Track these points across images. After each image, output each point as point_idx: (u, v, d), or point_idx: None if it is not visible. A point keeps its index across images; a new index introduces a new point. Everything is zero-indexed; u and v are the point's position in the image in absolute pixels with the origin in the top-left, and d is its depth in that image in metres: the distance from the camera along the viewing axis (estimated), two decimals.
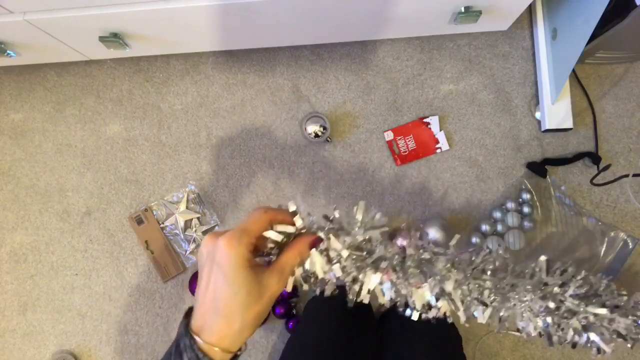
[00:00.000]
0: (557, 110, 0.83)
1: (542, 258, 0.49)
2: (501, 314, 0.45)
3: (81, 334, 0.90)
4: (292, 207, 0.40)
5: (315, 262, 0.40)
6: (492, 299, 0.45)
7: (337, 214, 0.41)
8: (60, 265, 0.91)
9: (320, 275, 0.40)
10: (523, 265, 0.49)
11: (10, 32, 0.74)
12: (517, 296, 0.45)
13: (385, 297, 0.42)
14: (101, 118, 0.93)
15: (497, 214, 0.84)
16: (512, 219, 0.83)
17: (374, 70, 0.89)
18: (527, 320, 0.46)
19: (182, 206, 0.89)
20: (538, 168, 0.84)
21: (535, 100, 0.87)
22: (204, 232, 0.89)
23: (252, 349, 0.88)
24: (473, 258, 0.46)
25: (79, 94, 0.93)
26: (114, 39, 0.75)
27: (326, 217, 0.41)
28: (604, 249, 0.82)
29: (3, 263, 0.92)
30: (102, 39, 0.75)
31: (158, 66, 0.92)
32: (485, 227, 0.83)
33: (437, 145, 0.87)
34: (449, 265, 0.43)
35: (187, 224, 0.89)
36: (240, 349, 0.38)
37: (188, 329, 0.37)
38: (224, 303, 0.36)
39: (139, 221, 0.90)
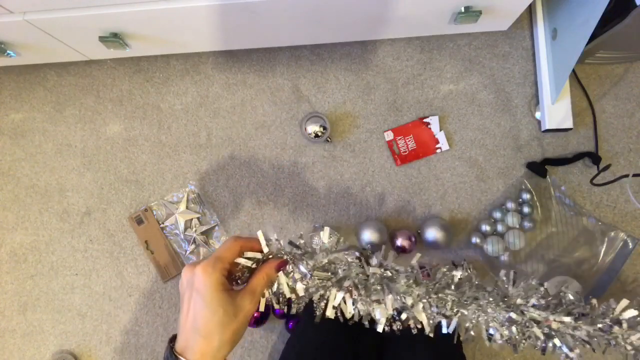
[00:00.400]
0: (557, 110, 0.83)
1: (503, 271, 0.52)
2: (467, 324, 0.48)
3: (81, 334, 0.90)
4: (260, 237, 0.45)
5: (282, 283, 0.45)
6: (455, 311, 0.48)
7: (302, 240, 0.47)
8: (60, 265, 0.91)
9: (288, 295, 0.45)
10: (485, 281, 0.52)
11: (10, 32, 0.74)
12: (479, 308, 0.48)
13: (350, 312, 0.46)
14: (101, 118, 0.93)
15: (497, 214, 0.84)
16: (512, 219, 0.83)
17: (374, 70, 0.89)
18: (494, 330, 0.49)
19: (182, 206, 0.89)
20: (538, 168, 0.84)
21: (535, 100, 0.87)
22: (204, 232, 0.89)
23: (252, 349, 0.88)
24: (437, 274, 0.50)
25: (79, 94, 0.93)
26: (114, 39, 0.75)
27: (292, 243, 0.46)
28: (604, 249, 0.81)
29: (3, 263, 0.92)
30: (102, 39, 0.75)
31: (158, 66, 0.92)
32: (485, 227, 0.83)
33: (437, 145, 0.87)
34: (410, 281, 0.47)
35: (187, 224, 0.89)
36: None
37: (173, 351, 0.41)
38: (203, 323, 0.40)
39: (139, 221, 0.90)
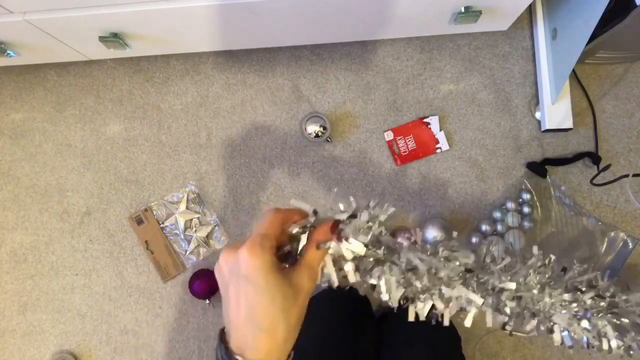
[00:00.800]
0: (557, 110, 0.83)
1: (552, 257, 0.47)
2: (543, 325, 0.42)
3: (81, 334, 0.90)
4: (299, 204, 0.39)
5: (342, 249, 0.37)
6: (550, 313, 0.41)
7: (353, 203, 0.39)
8: (60, 265, 0.91)
9: (349, 259, 0.38)
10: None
11: (10, 32, 0.74)
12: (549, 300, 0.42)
13: (398, 294, 0.39)
14: (101, 118, 0.93)
15: (497, 214, 0.84)
16: (512, 219, 0.83)
17: (374, 70, 0.89)
18: (567, 326, 0.43)
19: (182, 206, 0.89)
20: (538, 168, 0.84)
21: (535, 100, 0.87)
22: (204, 232, 0.89)
23: None
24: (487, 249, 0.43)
25: (79, 94, 0.93)
26: (114, 39, 0.75)
27: (339, 209, 0.39)
28: (604, 249, 0.81)
29: (3, 263, 0.92)
30: (102, 39, 0.75)
31: (158, 66, 0.92)
32: (485, 227, 0.83)
33: (437, 145, 0.87)
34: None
35: (187, 224, 0.89)
36: (289, 356, 0.37)
37: (230, 353, 0.34)
38: (263, 315, 0.34)
39: (139, 221, 0.90)
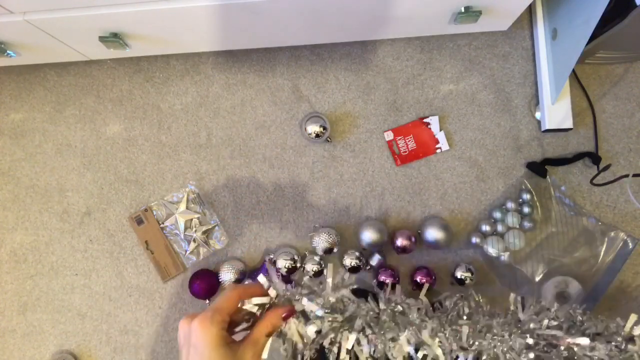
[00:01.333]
0: (557, 110, 0.83)
1: (512, 296, 0.50)
2: (484, 357, 0.46)
3: (81, 334, 0.90)
4: (262, 281, 0.42)
5: (293, 332, 0.41)
6: (471, 342, 0.45)
7: (306, 280, 0.44)
8: (60, 265, 0.91)
9: (299, 343, 0.41)
10: (492, 309, 0.50)
11: (10, 32, 0.74)
12: (495, 337, 0.46)
13: (366, 355, 0.43)
14: (101, 118, 0.93)
15: (497, 214, 0.84)
16: (512, 219, 0.83)
17: (374, 70, 0.89)
18: None
19: (182, 206, 0.89)
20: (538, 168, 0.84)
21: (535, 100, 0.87)
22: (204, 232, 0.89)
23: None
24: (446, 304, 0.47)
25: (79, 94, 0.93)
26: (114, 39, 0.75)
27: (296, 283, 0.44)
28: (604, 249, 0.82)
29: (3, 263, 0.92)
30: (102, 39, 0.75)
31: (158, 66, 0.92)
32: (485, 227, 0.83)
33: (437, 146, 0.87)
34: (422, 313, 0.45)
35: (187, 224, 0.89)
36: None
37: None
38: None
39: (139, 221, 0.90)
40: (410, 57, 0.89)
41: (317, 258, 0.83)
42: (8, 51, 0.80)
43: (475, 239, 0.83)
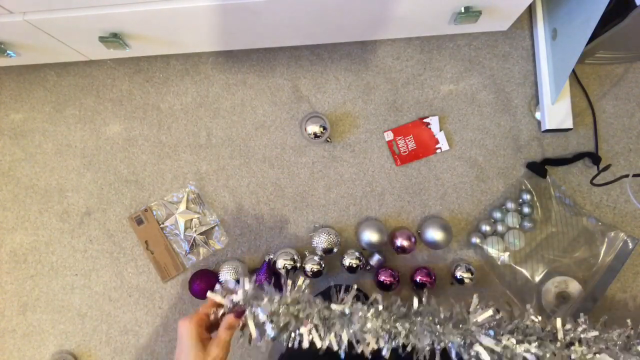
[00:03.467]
0: (557, 111, 0.83)
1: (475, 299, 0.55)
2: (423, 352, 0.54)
3: (81, 334, 0.90)
4: (212, 296, 0.56)
5: (250, 326, 0.53)
6: (408, 339, 0.54)
7: (266, 287, 0.56)
8: (60, 265, 0.91)
9: (254, 335, 0.53)
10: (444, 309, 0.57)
11: (10, 32, 0.74)
12: (433, 334, 0.53)
13: (319, 344, 0.53)
14: (101, 118, 0.93)
15: (497, 214, 0.84)
16: (512, 219, 0.83)
17: (374, 70, 0.89)
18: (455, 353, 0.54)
19: (182, 206, 0.89)
20: (538, 168, 0.84)
21: (535, 100, 0.87)
22: (204, 232, 0.89)
23: (252, 350, 0.88)
24: (396, 305, 0.55)
25: (79, 94, 0.93)
26: (114, 39, 0.75)
27: (260, 287, 0.56)
28: (604, 249, 0.81)
29: (3, 263, 0.92)
30: (102, 39, 0.75)
31: (158, 66, 0.92)
32: (485, 227, 0.83)
33: (437, 146, 0.87)
34: (369, 314, 0.54)
35: (187, 224, 0.89)
36: None
37: None
38: None
39: (139, 221, 0.90)
40: (410, 57, 0.89)
41: (317, 258, 0.83)
42: (8, 51, 0.80)
43: (475, 239, 0.83)
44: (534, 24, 0.87)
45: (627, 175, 0.75)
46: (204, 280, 0.85)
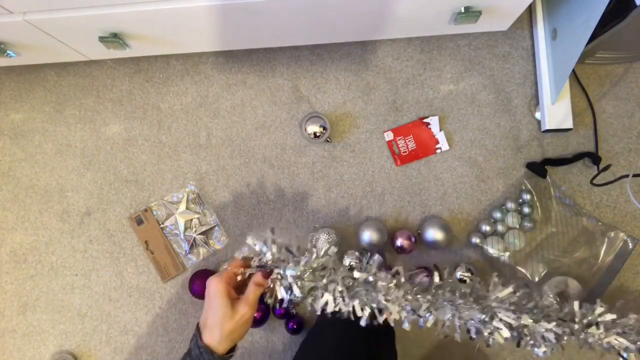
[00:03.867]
0: (557, 111, 0.83)
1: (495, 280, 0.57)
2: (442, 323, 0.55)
3: (81, 334, 0.90)
4: (241, 255, 0.58)
5: (276, 288, 0.54)
6: (429, 311, 0.55)
7: (295, 250, 0.57)
8: (60, 266, 0.91)
9: (281, 296, 0.54)
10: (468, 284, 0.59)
11: (10, 32, 0.74)
12: (454, 308, 0.54)
13: (341, 308, 0.54)
14: (101, 118, 0.93)
15: (497, 214, 0.84)
16: (512, 219, 0.83)
17: (374, 70, 0.89)
18: (472, 326, 0.56)
19: (182, 206, 0.89)
20: (538, 168, 0.84)
21: (535, 100, 0.87)
22: (204, 232, 0.89)
23: (252, 349, 0.88)
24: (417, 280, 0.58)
25: (79, 94, 0.93)
26: (114, 39, 0.75)
27: (288, 249, 0.56)
28: (604, 249, 0.81)
29: (3, 263, 0.92)
30: (102, 39, 0.75)
31: (158, 66, 0.92)
32: (485, 227, 0.83)
33: (437, 146, 0.87)
34: (392, 284, 0.55)
35: (187, 224, 0.89)
36: (232, 351, 0.57)
37: (197, 325, 0.57)
38: (210, 321, 0.55)
39: (139, 221, 0.90)
40: (410, 57, 0.89)
41: None
42: (8, 51, 0.80)
43: (475, 239, 0.83)
44: (534, 24, 0.87)
45: (627, 175, 0.75)
46: (204, 280, 0.85)
